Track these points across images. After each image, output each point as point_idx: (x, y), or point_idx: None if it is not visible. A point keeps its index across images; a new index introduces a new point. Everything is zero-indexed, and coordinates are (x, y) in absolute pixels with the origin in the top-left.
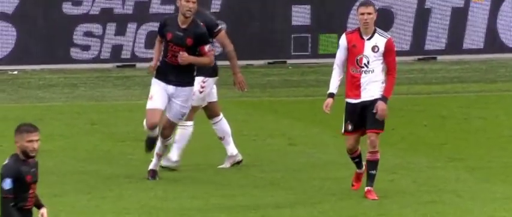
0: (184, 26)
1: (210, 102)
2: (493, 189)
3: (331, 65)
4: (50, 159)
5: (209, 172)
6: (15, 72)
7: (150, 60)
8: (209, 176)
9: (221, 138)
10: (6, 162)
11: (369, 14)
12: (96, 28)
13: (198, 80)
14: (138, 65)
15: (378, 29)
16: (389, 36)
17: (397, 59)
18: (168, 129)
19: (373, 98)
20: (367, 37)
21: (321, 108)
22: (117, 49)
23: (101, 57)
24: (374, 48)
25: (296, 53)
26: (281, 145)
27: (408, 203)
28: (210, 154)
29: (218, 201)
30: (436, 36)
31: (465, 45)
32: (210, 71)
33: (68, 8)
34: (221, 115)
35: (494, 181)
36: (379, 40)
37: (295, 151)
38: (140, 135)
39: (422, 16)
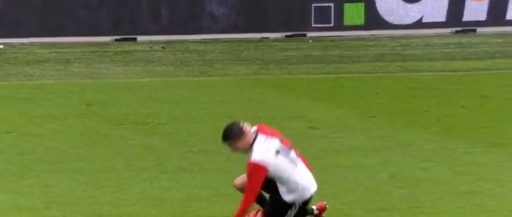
0: None
1: None
2: None
3: (357, 39)
4: (41, 144)
5: (220, 159)
6: (1, 46)
7: (152, 32)
8: (220, 163)
9: None
10: None
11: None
12: None
13: None
14: (139, 38)
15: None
16: (252, 158)
17: (431, 31)
18: None
19: None
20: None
21: (346, 87)
22: (116, 21)
23: (98, 30)
24: None
25: (317, 25)
26: (300, 128)
27: (443, 194)
28: (220, 139)
29: (230, 191)
30: (476, 6)
31: (508, 16)
32: None
33: None
34: None
35: None
36: None
37: (316, 136)
38: (142, 118)
39: None
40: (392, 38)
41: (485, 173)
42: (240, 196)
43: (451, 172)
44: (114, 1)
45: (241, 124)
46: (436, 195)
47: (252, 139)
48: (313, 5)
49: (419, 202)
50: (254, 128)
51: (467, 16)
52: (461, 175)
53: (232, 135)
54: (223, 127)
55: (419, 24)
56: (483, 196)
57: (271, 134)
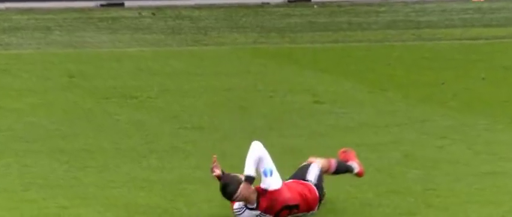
0: None
1: None
2: None
3: (367, 4)
4: (18, 120)
5: (215, 136)
6: None
7: None
8: (216, 142)
9: None
10: None
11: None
12: None
13: None
14: (127, 3)
15: None
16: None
17: None
18: None
19: None
20: None
21: (354, 58)
22: None
23: None
24: None
25: None
26: (304, 103)
27: (461, 175)
28: (217, 114)
29: (226, 171)
30: None
31: None
32: None
33: None
34: None
35: None
36: None
37: (322, 111)
38: (130, 91)
39: None
40: (405, 3)
41: (507, 152)
42: None
43: (470, 151)
44: None
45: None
46: (453, 176)
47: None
48: None
49: (435, 183)
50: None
51: None
52: (481, 155)
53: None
54: (220, 101)
55: None
56: (505, 177)
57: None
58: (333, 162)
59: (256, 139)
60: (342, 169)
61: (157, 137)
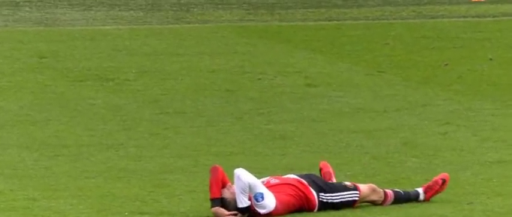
0: None
1: None
2: None
3: None
4: None
5: (199, 121)
6: None
7: None
8: (199, 127)
9: None
10: None
11: None
12: None
13: None
14: None
15: None
16: None
17: None
18: None
19: None
20: None
21: (350, 37)
22: None
23: None
24: None
25: None
26: (296, 86)
27: (466, 163)
28: (201, 97)
29: (210, 160)
30: None
31: None
32: None
33: None
34: None
35: None
36: None
37: (315, 95)
38: (105, 73)
39: None
40: None
41: None
42: None
43: (476, 138)
44: None
45: None
46: (457, 165)
47: None
48: None
49: (437, 173)
50: None
51: None
52: (487, 142)
53: None
54: (204, 83)
55: None
56: None
57: None
58: (390, 194)
59: (241, 126)
60: (403, 199)
61: (135, 123)
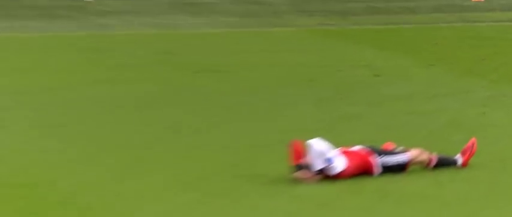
0: None
1: None
2: None
3: None
4: (112, 89)
5: (288, 105)
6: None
7: None
8: (288, 110)
9: None
10: None
11: None
12: None
13: None
14: None
15: None
16: None
17: None
18: None
19: None
20: None
21: (408, 37)
22: None
23: None
24: None
25: None
26: (364, 76)
27: (499, 137)
28: (290, 85)
29: (296, 135)
30: None
31: None
32: None
33: None
34: None
35: None
36: None
37: (379, 83)
38: (215, 66)
39: None
40: None
41: None
42: None
43: (508, 117)
44: None
45: None
46: (492, 138)
47: None
48: None
49: (477, 147)
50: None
51: None
52: None
53: None
54: (291, 75)
55: None
56: None
57: None
58: (434, 157)
59: (321, 110)
60: (444, 163)
61: (238, 106)
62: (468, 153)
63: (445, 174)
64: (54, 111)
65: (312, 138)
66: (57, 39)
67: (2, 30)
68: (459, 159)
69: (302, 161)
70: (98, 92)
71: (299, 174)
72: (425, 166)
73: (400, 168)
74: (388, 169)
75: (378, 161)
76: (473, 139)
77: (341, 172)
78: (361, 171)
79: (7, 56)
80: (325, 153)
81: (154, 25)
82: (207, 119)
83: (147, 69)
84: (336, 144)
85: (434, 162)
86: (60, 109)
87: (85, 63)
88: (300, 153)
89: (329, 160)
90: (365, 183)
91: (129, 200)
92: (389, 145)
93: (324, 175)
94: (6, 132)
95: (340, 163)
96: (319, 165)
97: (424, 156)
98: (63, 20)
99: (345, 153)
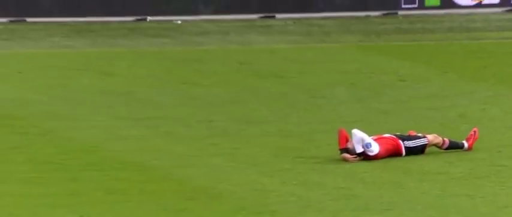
0: None
1: None
2: None
3: (435, 16)
4: (206, 92)
5: (334, 102)
6: (179, 22)
7: (283, 11)
8: (335, 105)
9: None
10: None
11: None
12: None
13: None
14: (277, 16)
15: None
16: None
17: (489, 10)
18: None
19: None
20: None
21: (427, 51)
22: (258, 2)
23: (247, 8)
24: None
25: (406, 6)
26: (392, 81)
27: (497, 128)
28: (336, 87)
29: (342, 125)
30: None
31: None
32: None
33: None
34: None
35: None
36: None
37: (404, 86)
38: (279, 72)
39: None
40: (460, 14)
41: None
42: None
43: (503, 112)
44: None
45: None
46: (491, 129)
47: None
48: None
49: (479, 134)
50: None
51: None
52: (509, 114)
53: None
54: (336, 79)
55: (479, 5)
56: None
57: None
58: (446, 141)
59: (361, 104)
60: (453, 146)
61: (297, 103)
62: (472, 139)
63: (454, 155)
64: (159, 105)
65: (353, 127)
66: (160, 53)
67: (126, 46)
68: (465, 143)
69: (347, 145)
70: (189, 93)
71: (344, 155)
72: (439, 147)
73: (421, 149)
74: (411, 151)
75: (403, 145)
76: (475, 128)
77: (376, 154)
78: (391, 153)
79: (129, 65)
80: (365, 139)
81: (235, 42)
82: (273, 113)
83: (228, 75)
84: (371, 132)
85: (446, 145)
86: (161, 104)
87: (180, 71)
88: (345, 139)
89: (367, 145)
90: (393, 162)
91: (223, 169)
92: (412, 133)
93: (364, 157)
94: (129, 122)
95: (375, 148)
96: (359, 149)
97: (439, 139)
98: (164, 38)
99: (379, 139)
